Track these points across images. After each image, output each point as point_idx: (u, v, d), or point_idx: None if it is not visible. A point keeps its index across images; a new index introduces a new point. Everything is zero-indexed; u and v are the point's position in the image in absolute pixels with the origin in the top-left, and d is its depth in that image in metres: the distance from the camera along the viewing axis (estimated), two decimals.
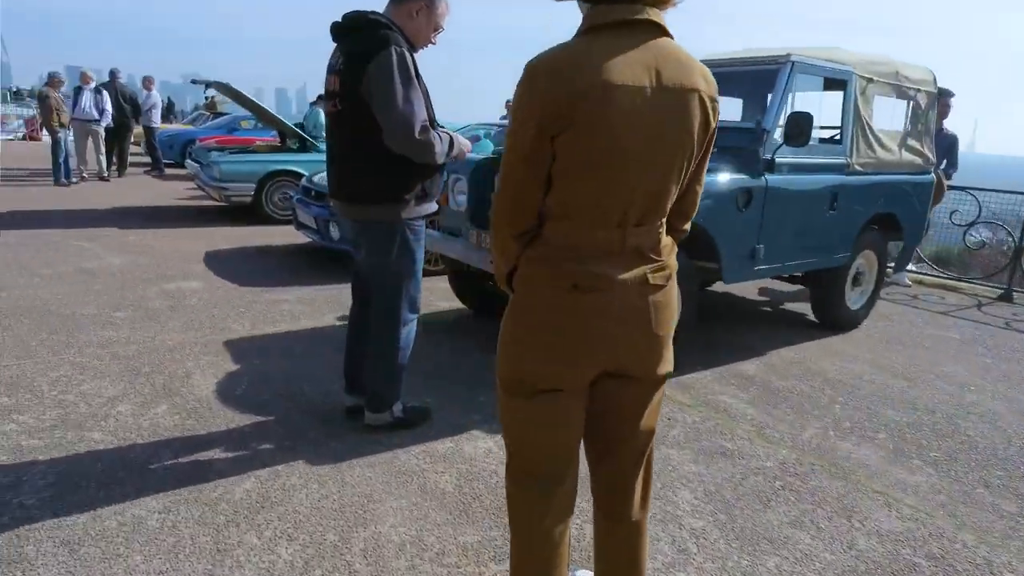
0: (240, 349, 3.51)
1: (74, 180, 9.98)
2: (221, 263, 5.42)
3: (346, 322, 4.13)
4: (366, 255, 2.43)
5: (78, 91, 10.02)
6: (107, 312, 3.96)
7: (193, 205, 8.55)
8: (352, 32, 2.23)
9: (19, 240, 5.79)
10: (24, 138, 18.68)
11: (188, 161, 8.62)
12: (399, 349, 2.53)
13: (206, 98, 21.31)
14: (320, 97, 10.37)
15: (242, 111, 16.33)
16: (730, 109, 5.11)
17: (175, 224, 7.11)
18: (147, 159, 12.83)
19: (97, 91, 10.19)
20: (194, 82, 7.86)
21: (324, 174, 6.04)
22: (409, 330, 2.55)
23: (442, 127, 2.37)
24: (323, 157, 8.02)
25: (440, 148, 2.28)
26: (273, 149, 8.27)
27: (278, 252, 6.02)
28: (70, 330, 3.61)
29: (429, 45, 2.40)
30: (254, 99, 7.85)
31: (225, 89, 7.78)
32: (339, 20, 2.29)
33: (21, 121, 20.03)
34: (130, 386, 2.95)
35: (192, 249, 5.88)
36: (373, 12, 2.24)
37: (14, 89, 37.84)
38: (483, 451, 2.56)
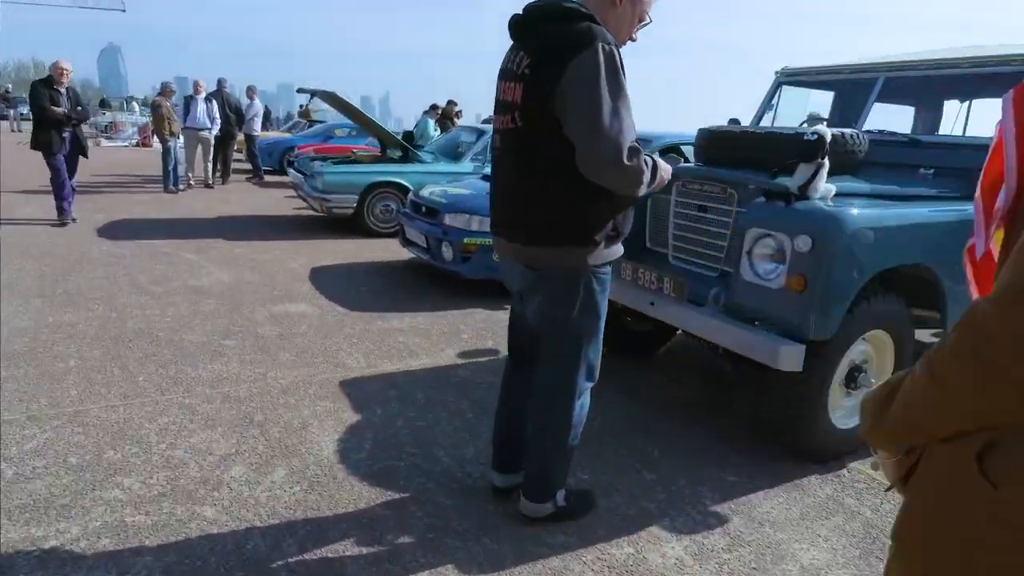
0: (357, 392, 3.10)
1: (181, 187, 10.17)
2: (327, 282, 5.12)
3: (466, 360, 3.68)
4: (538, 308, 1.92)
5: (189, 100, 10.22)
6: (216, 340, 3.67)
7: (294, 216, 8.45)
8: (542, 25, 1.72)
9: (132, 252, 5.73)
10: (137, 145, 19.72)
11: (290, 171, 8.53)
12: (570, 426, 2.00)
13: (301, 106, 21.92)
14: (433, 107, 10.14)
15: (336, 119, 16.55)
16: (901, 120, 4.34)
17: (279, 236, 6.94)
18: (248, 166, 13.06)
19: (207, 100, 10.37)
20: (300, 91, 7.72)
21: (433, 188, 5.66)
22: (583, 402, 2.03)
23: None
24: (425, 168, 7.73)
25: (647, 177, 1.74)
26: (374, 159, 8.04)
27: (383, 270, 5.69)
28: (179, 362, 3.32)
29: (628, 42, 1.87)
30: (359, 108, 7.63)
31: (330, 98, 7.61)
32: (520, 13, 1.80)
33: (135, 129, 21.19)
34: (243, 440, 2.57)
35: (297, 265, 5.63)
36: (568, 0, 1.72)
37: (130, 98, 40.64)
38: (673, 563, 1.99)
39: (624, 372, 3.57)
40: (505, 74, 1.82)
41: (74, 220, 6.86)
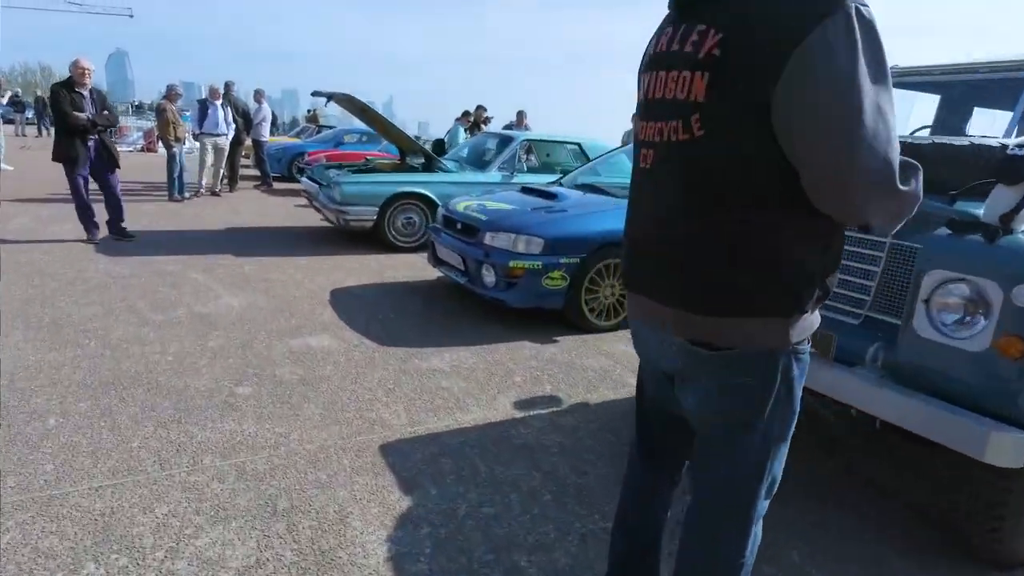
0: (403, 462, 2.50)
1: (187, 195, 9.62)
2: (350, 308, 4.53)
3: (525, 413, 3.07)
4: (707, 403, 1.31)
5: (208, 105, 9.73)
6: (227, 387, 3.08)
7: (307, 227, 7.87)
8: None
9: (132, 271, 5.15)
10: (142, 150, 19.23)
11: (304, 180, 7.95)
12: (741, 565, 1.39)
13: (308, 111, 21.45)
14: (465, 114, 9.54)
15: (344, 125, 16.02)
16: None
17: (292, 251, 6.36)
18: (255, 173, 12.53)
19: (223, 105, 9.92)
20: (315, 94, 7.16)
21: (468, 201, 5.06)
22: (759, 531, 1.42)
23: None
24: (451, 178, 7.10)
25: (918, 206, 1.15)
26: (394, 168, 7.47)
27: (410, 292, 5.09)
28: (182, 419, 2.73)
29: None
30: (380, 112, 7.07)
31: (347, 101, 7.05)
32: None
33: (140, 133, 20.72)
34: (265, 541, 1.98)
35: (314, 286, 5.04)
36: None
37: (136, 103, 40.36)
38: None
39: None
40: (664, 60, 1.22)
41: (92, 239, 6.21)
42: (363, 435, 2.71)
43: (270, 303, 4.52)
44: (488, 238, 4.31)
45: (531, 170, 7.75)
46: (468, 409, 3.04)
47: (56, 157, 5.83)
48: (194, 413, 2.79)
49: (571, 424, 2.97)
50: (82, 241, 6.05)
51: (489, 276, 4.24)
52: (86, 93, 5.85)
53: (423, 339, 3.98)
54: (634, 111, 1.39)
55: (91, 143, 5.86)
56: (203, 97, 10.09)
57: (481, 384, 3.34)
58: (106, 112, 6.01)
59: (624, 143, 9.57)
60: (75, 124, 5.69)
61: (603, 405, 3.22)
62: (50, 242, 5.97)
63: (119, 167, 6.15)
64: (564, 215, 4.37)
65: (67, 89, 5.77)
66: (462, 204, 4.89)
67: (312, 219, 8.20)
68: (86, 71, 5.87)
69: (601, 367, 3.71)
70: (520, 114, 11.32)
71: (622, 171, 6.84)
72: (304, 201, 9.02)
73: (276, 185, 11.94)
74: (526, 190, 5.17)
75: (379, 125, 7.52)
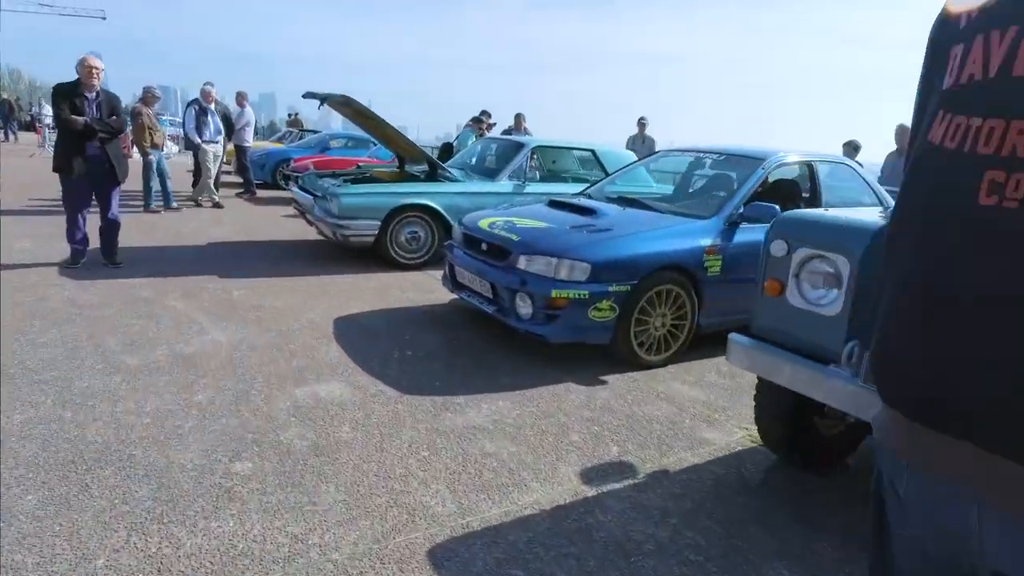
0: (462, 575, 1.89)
1: (175, 204, 8.88)
2: (360, 342, 3.90)
3: (597, 490, 2.31)
4: None
5: (204, 110, 9.04)
6: (221, 463, 2.44)
7: (297, 241, 7.20)
8: None
9: (100, 297, 4.46)
10: None
11: (296, 190, 7.25)
12: None
13: (289, 115, 20.61)
14: (476, 120, 8.92)
15: (330, 128, 15.28)
16: None
17: (284, 270, 5.70)
18: (237, 179, 11.80)
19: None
20: (307, 95, 6.50)
21: (492, 217, 4.33)
22: None
23: None
24: (459, 188, 6.30)
25: None
26: (395, 177, 6.84)
27: (424, 319, 4.47)
28: (164, 516, 2.08)
29: None
30: (379, 115, 6.44)
31: (343, 104, 6.40)
32: None
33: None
34: None
35: (314, 314, 4.40)
36: None
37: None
38: None
39: (814, 493, 2.39)
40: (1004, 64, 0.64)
41: (113, 264, 5.42)
42: (403, 533, 2.09)
43: (265, 338, 3.87)
44: (522, 262, 3.71)
45: (542, 179, 7.18)
46: (526, 486, 2.43)
47: (54, 166, 5.17)
48: (180, 504, 2.15)
49: (658, 504, 2.37)
50: (44, 264, 5.33)
51: (525, 307, 3.64)
52: (92, 96, 5.15)
53: (450, 383, 3.36)
54: (937, 100, 0.81)
55: (92, 152, 5.11)
56: (195, 98, 9.40)
57: (533, 447, 2.74)
58: (113, 117, 5.27)
59: (635, 151, 9.00)
60: (71, 127, 5.00)
61: (685, 473, 2.63)
62: (8, 267, 5.24)
63: (120, 183, 5.35)
64: (609, 235, 3.78)
65: (68, 91, 5.07)
66: (485, 221, 4.28)
67: (301, 231, 7.53)
68: (93, 69, 5.13)
69: (666, 417, 3.14)
70: (518, 117, 10.73)
71: (643, 182, 6.30)
72: (292, 211, 8.37)
73: (260, 193, 11.23)
74: (555, 204, 4.58)
75: (379, 131, 6.88)
